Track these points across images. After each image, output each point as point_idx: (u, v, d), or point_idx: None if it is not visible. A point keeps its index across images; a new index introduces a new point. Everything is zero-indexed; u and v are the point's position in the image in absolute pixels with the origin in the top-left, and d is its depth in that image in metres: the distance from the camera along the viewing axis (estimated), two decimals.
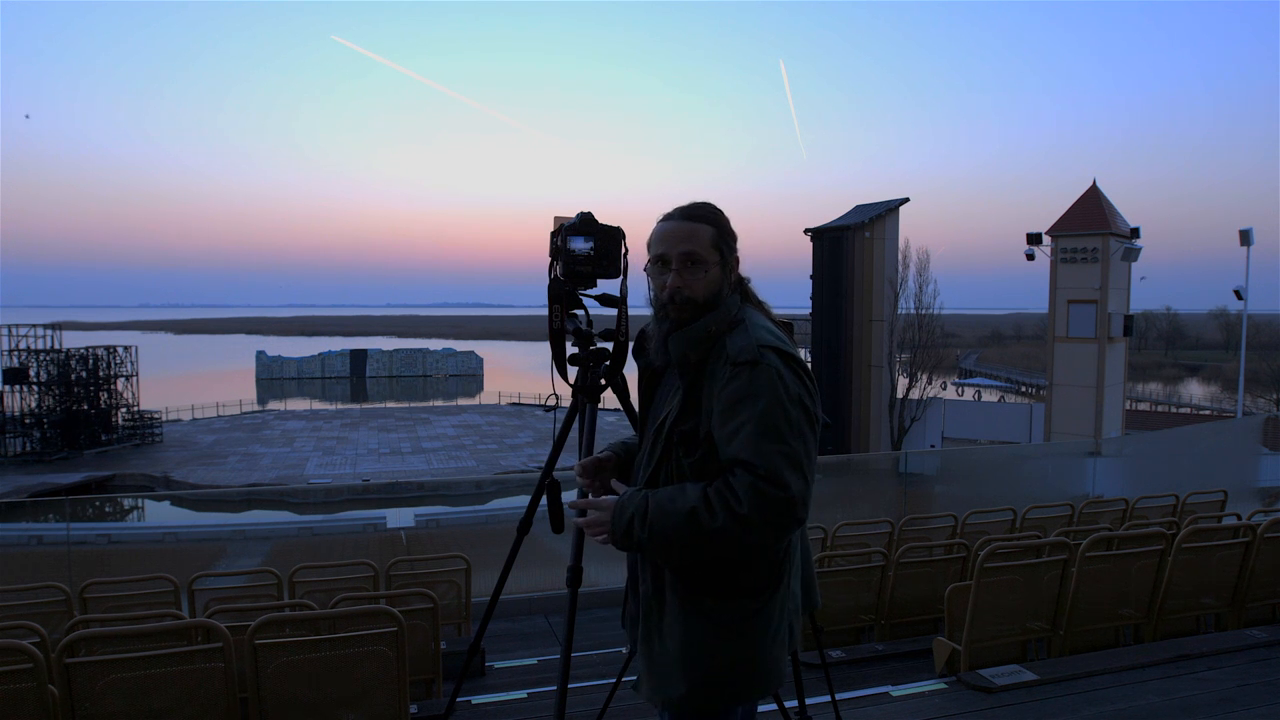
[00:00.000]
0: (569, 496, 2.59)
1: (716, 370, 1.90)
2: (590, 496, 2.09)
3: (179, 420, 48.87)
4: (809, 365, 1.97)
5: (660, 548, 1.87)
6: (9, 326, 41.79)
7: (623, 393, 2.84)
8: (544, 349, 2.73)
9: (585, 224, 2.59)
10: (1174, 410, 56.36)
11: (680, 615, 1.93)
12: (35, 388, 39.98)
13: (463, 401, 63.12)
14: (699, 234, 1.99)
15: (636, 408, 2.24)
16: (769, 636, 1.95)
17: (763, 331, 1.93)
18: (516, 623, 7.66)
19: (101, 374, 41.99)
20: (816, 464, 1.90)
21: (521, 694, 4.54)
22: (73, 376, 40.59)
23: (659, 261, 2.01)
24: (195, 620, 3.62)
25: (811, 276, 30.71)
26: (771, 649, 1.95)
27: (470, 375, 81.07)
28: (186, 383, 71.89)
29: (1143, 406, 56.43)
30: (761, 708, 2.32)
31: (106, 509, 24.49)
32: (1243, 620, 4.98)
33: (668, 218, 2.03)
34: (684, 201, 2.07)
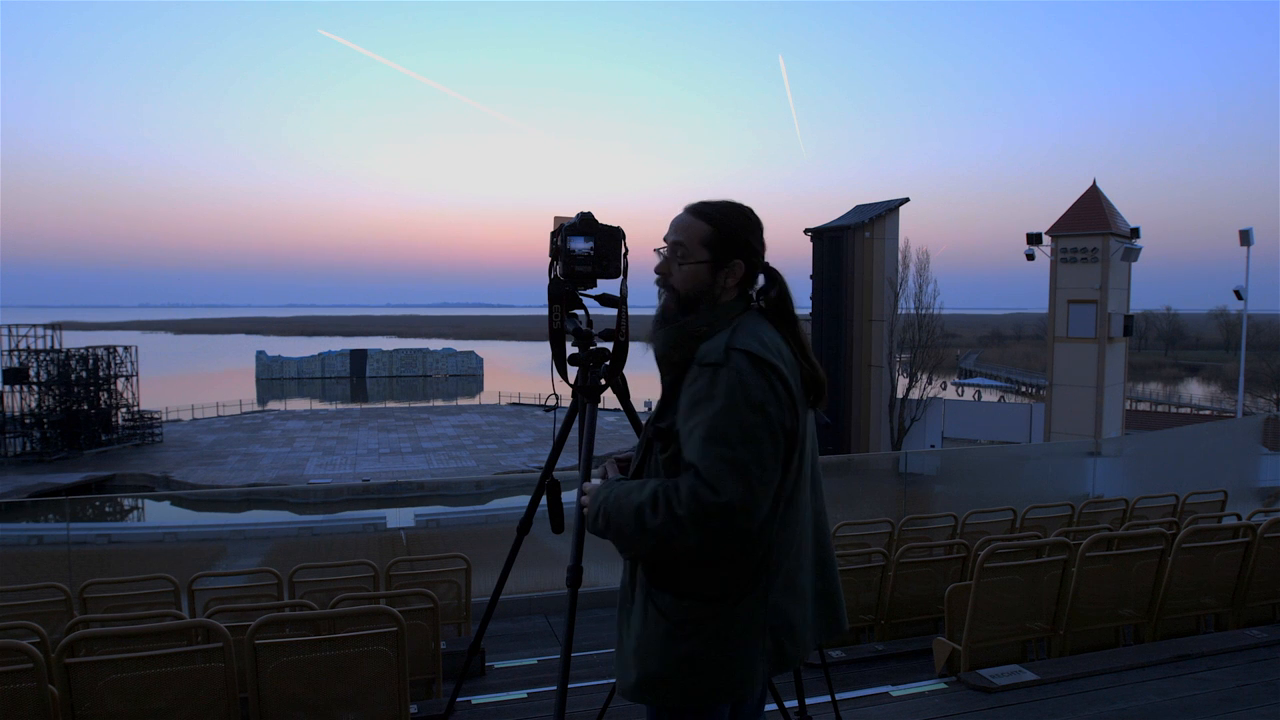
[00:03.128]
0: (569, 496, 2.60)
1: (690, 369, 1.92)
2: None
3: (179, 420, 48.87)
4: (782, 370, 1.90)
5: (615, 539, 1.92)
6: (9, 326, 41.78)
7: (623, 393, 2.84)
8: (544, 349, 2.74)
9: (585, 224, 2.59)
10: (1174, 410, 56.36)
11: (641, 609, 1.96)
12: (35, 388, 39.97)
13: (463, 401, 63.11)
14: (694, 229, 2.01)
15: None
16: (726, 645, 1.90)
17: (745, 335, 1.90)
18: (516, 623, 7.65)
19: (101, 374, 41.98)
20: (775, 474, 1.85)
21: (521, 694, 4.54)
22: (73, 376, 40.59)
23: (663, 245, 2.09)
24: (195, 620, 3.62)
25: (811, 276, 30.72)
26: (730, 659, 1.91)
27: (470, 375, 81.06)
28: (186, 383, 71.90)
29: (1143, 406, 56.43)
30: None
31: (106, 509, 24.49)
32: (1243, 620, 4.97)
33: (684, 209, 2.09)
34: (691, 200, 2.09)
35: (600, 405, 2.74)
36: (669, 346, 1.96)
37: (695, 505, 1.76)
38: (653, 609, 1.93)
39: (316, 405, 61.13)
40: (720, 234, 2.00)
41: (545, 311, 2.64)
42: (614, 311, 2.62)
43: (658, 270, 2.06)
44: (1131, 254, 24.61)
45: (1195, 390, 75.96)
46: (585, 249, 2.58)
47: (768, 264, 2.06)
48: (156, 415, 44.02)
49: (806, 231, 30.90)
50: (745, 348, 1.86)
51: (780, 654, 1.98)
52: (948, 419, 29.84)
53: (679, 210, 2.08)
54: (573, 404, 2.84)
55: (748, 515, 1.78)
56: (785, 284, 2.06)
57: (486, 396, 64.35)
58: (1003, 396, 61.09)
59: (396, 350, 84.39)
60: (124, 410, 42.90)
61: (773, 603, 1.95)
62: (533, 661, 5.87)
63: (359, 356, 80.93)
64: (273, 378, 76.82)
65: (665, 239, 2.06)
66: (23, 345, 41.38)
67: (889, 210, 29.73)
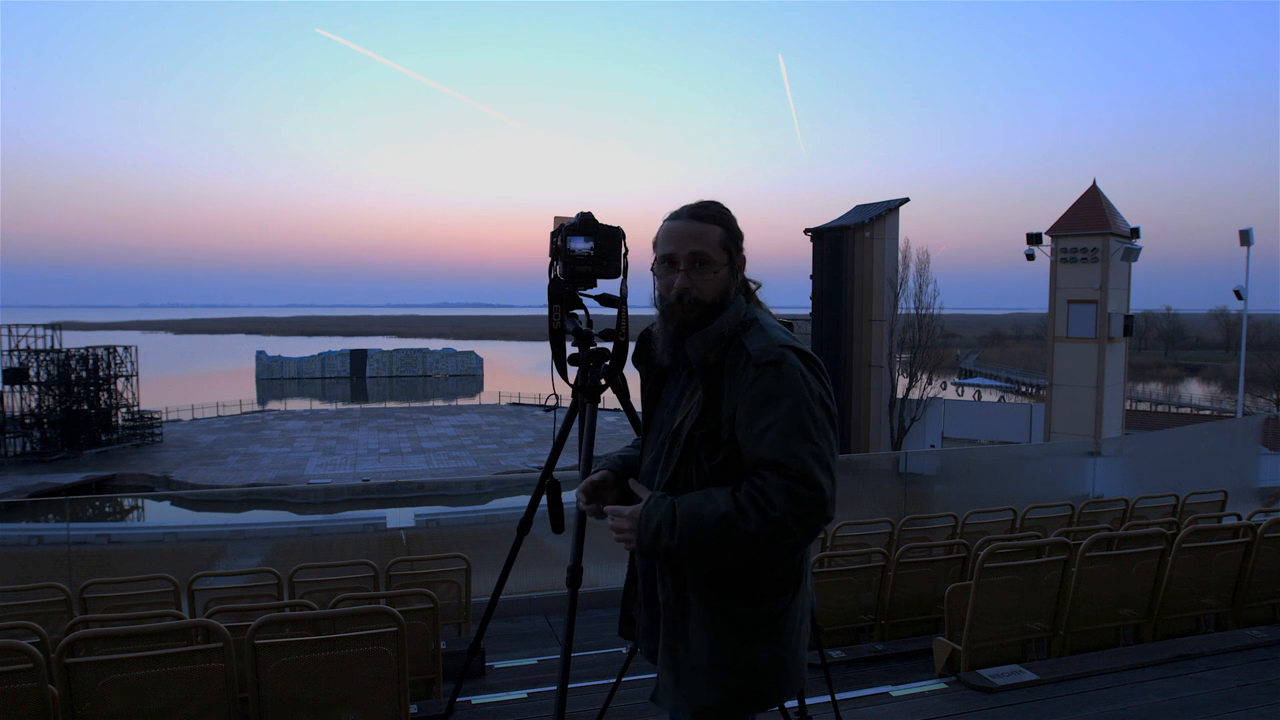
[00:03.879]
0: (569, 497, 2.60)
1: (735, 371, 1.87)
2: (591, 516, 2.13)
3: (179, 420, 48.87)
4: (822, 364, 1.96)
5: (691, 554, 1.83)
6: (9, 326, 41.82)
7: (622, 393, 2.84)
8: (544, 349, 2.73)
9: (585, 224, 2.59)
10: (1174, 410, 56.36)
11: (706, 622, 1.90)
12: (35, 388, 40.00)
13: (463, 401, 63.14)
14: (707, 234, 1.94)
15: (640, 410, 2.23)
16: (794, 637, 1.95)
17: (778, 331, 1.92)
18: (516, 623, 7.65)
19: (101, 374, 42.02)
20: (838, 462, 1.90)
21: (521, 694, 4.54)
22: (73, 376, 40.62)
23: (666, 261, 1.96)
24: (195, 620, 3.62)
25: (811, 276, 30.72)
26: (798, 649, 1.97)
27: (470, 375, 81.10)
28: (186, 383, 71.91)
29: (1143, 406, 56.44)
30: None
31: (106, 509, 24.50)
32: (1243, 620, 4.98)
33: (675, 216, 1.98)
34: (689, 200, 2.04)
35: (600, 405, 2.73)
36: (707, 351, 1.91)
37: (793, 503, 1.74)
38: (722, 621, 1.89)
39: (316, 405, 61.14)
40: (729, 234, 1.98)
41: (545, 311, 2.64)
42: (614, 311, 2.61)
43: (680, 286, 1.93)
44: (1131, 254, 24.61)
45: (1195, 390, 75.97)
46: (585, 249, 2.58)
47: None
48: (156, 415, 44.04)
49: (806, 231, 30.90)
50: (792, 344, 1.88)
51: (810, 633, 2.08)
52: (948, 419, 29.83)
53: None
54: (573, 404, 2.84)
55: (834, 505, 1.80)
56: None
57: (486, 396, 64.37)
58: (1003, 396, 61.11)
59: (396, 350, 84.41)
60: (124, 410, 42.94)
61: (806, 586, 2.02)
62: (533, 661, 5.87)
63: (359, 356, 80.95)
64: (273, 378, 76.84)
65: (674, 253, 1.94)
66: (23, 345, 41.41)
67: (889, 210, 29.72)
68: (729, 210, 2.03)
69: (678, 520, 1.82)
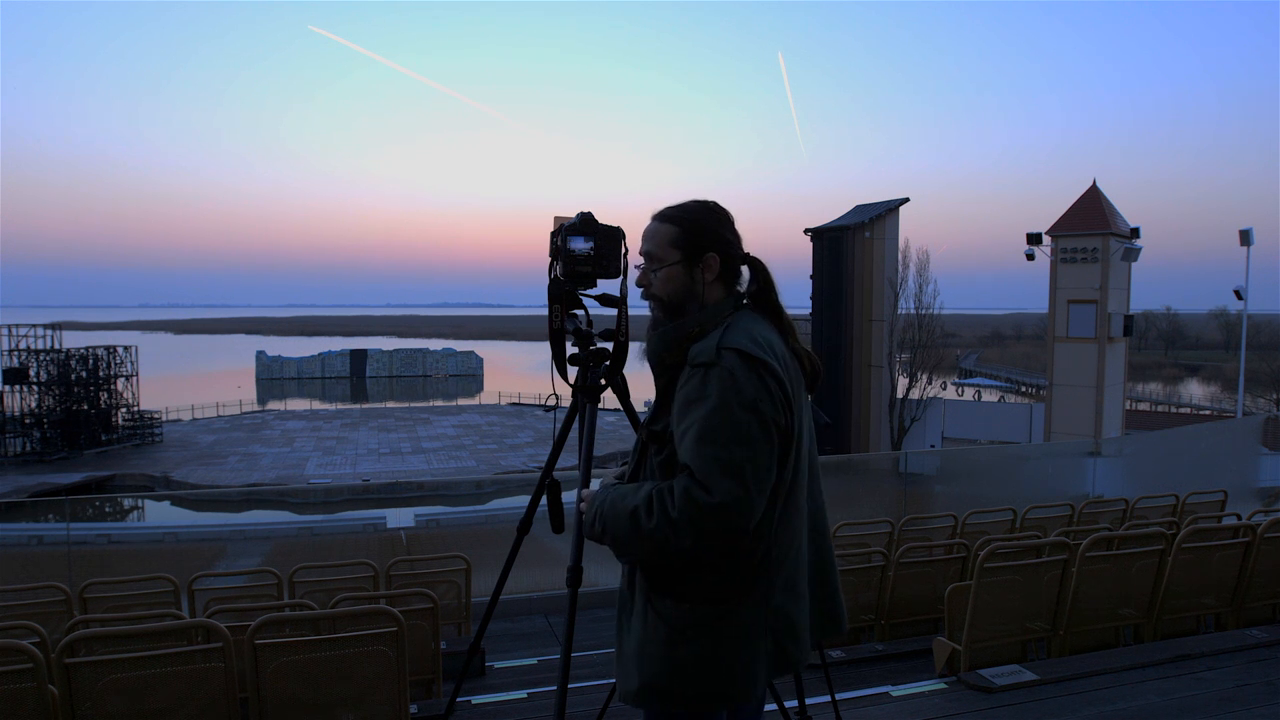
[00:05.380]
0: (569, 496, 2.60)
1: (684, 372, 1.91)
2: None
3: (179, 420, 48.87)
4: (776, 368, 1.87)
5: (611, 544, 1.93)
6: (9, 326, 41.82)
7: (623, 393, 2.84)
8: (544, 349, 2.73)
9: (585, 224, 2.59)
10: (1174, 410, 56.36)
11: (641, 613, 1.95)
12: (35, 388, 39.99)
13: (463, 401, 63.13)
14: (659, 233, 2.04)
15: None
16: (728, 649, 1.89)
17: (737, 333, 1.89)
18: (516, 623, 7.65)
19: (101, 374, 42.01)
20: (771, 473, 1.84)
21: (521, 694, 4.54)
22: (73, 376, 40.61)
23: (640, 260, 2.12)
24: (195, 620, 3.61)
25: (811, 276, 30.73)
26: (732, 662, 1.90)
27: (470, 375, 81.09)
28: (186, 383, 71.92)
29: (1143, 406, 56.44)
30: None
31: (106, 509, 24.51)
32: (1243, 620, 4.98)
33: (650, 218, 2.10)
34: (685, 199, 2.10)
35: (600, 405, 2.73)
36: (661, 349, 1.96)
37: (689, 506, 1.75)
38: (653, 613, 1.92)
39: (316, 405, 61.11)
40: (685, 232, 2.01)
41: (545, 311, 2.64)
42: (614, 311, 2.61)
43: (638, 284, 2.08)
44: (1131, 254, 24.62)
45: (1195, 390, 75.97)
46: (585, 249, 2.58)
47: (749, 255, 2.07)
48: (156, 415, 44.04)
49: (806, 231, 30.90)
50: (736, 346, 1.85)
51: (782, 656, 1.97)
52: (948, 419, 29.84)
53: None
54: (573, 404, 2.84)
55: (741, 515, 1.76)
56: (768, 273, 2.07)
57: (486, 396, 64.34)
58: (1003, 396, 61.12)
59: (396, 350, 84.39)
60: (124, 410, 42.93)
61: (775, 604, 1.94)
62: (533, 661, 5.87)
63: (359, 356, 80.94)
64: (273, 378, 76.83)
65: (640, 252, 2.08)
66: (23, 345, 41.40)
67: (889, 210, 29.73)
68: (708, 209, 2.05)
69: (604, 510, 1.91)
